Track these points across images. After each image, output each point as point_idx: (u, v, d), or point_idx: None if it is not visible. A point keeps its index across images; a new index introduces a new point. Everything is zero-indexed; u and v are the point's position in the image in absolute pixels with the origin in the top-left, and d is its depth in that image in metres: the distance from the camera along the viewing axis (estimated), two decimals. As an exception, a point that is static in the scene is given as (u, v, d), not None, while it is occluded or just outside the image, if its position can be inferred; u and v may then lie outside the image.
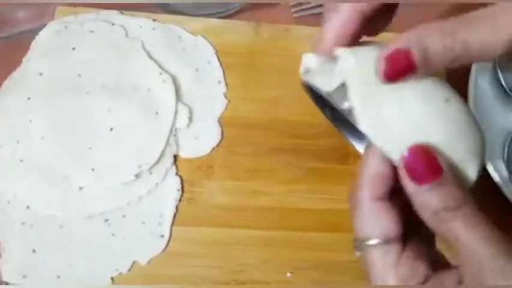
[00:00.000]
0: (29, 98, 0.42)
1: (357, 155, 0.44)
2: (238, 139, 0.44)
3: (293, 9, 0.52)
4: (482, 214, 0.21)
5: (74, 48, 0.44)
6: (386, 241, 0.22)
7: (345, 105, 0.23)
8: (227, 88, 0.45)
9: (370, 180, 0.23)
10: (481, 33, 0.21)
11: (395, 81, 0.22)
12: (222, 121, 0.44)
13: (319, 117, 0.45)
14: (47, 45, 0.45)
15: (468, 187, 0.22)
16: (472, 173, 0.23)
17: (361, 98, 0.22)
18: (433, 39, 0.21)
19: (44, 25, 0.46)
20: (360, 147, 0.30)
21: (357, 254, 0.24)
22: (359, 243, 0.23)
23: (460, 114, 0.23)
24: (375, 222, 0.23)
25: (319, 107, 0.30)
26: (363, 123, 0.22)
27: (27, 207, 0.39)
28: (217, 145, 0.43)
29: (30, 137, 0.41)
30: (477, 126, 0.23)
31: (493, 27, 0.21)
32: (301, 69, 0.26)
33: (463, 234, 0.20)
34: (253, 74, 0.46)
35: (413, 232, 0.23)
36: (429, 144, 0.22)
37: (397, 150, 0.22)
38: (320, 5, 0.51)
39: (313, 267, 0.40)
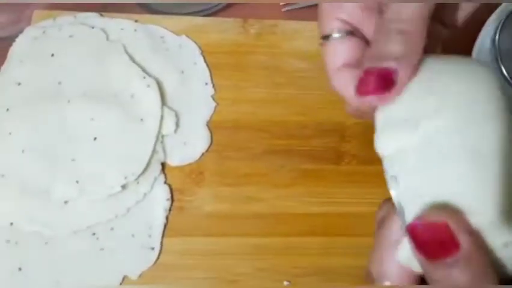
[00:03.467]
0: (7, 110, 0.40)
1: (352, 155, 0.43)
2: (229, 143, 0.42)
3: (282, 3, 0.50)
4: None
5: (53, 55, 0.42)
6: None
7: None
8: (215, 90, 0.44)
9: None
10: None
11: None
12: (210, 125, 0.42)
13: (311, 117, 0.44)
14: (24, 52, 0.43)
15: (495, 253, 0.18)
16: (502, 237, 0.18)
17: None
18: None
19: (21, 31, 0.44)
20: None
21: None
22: None
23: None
24: None
25: None
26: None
27: (11, 224, 0.37)
28: (207, 150, 0.41)
29: (10, 151, 0.39)
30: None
31: None
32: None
33: None
34: (241, 73, 0.44)
35: None
36: (450, 205, 0.18)
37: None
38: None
39: (311, 273, 0.38)
